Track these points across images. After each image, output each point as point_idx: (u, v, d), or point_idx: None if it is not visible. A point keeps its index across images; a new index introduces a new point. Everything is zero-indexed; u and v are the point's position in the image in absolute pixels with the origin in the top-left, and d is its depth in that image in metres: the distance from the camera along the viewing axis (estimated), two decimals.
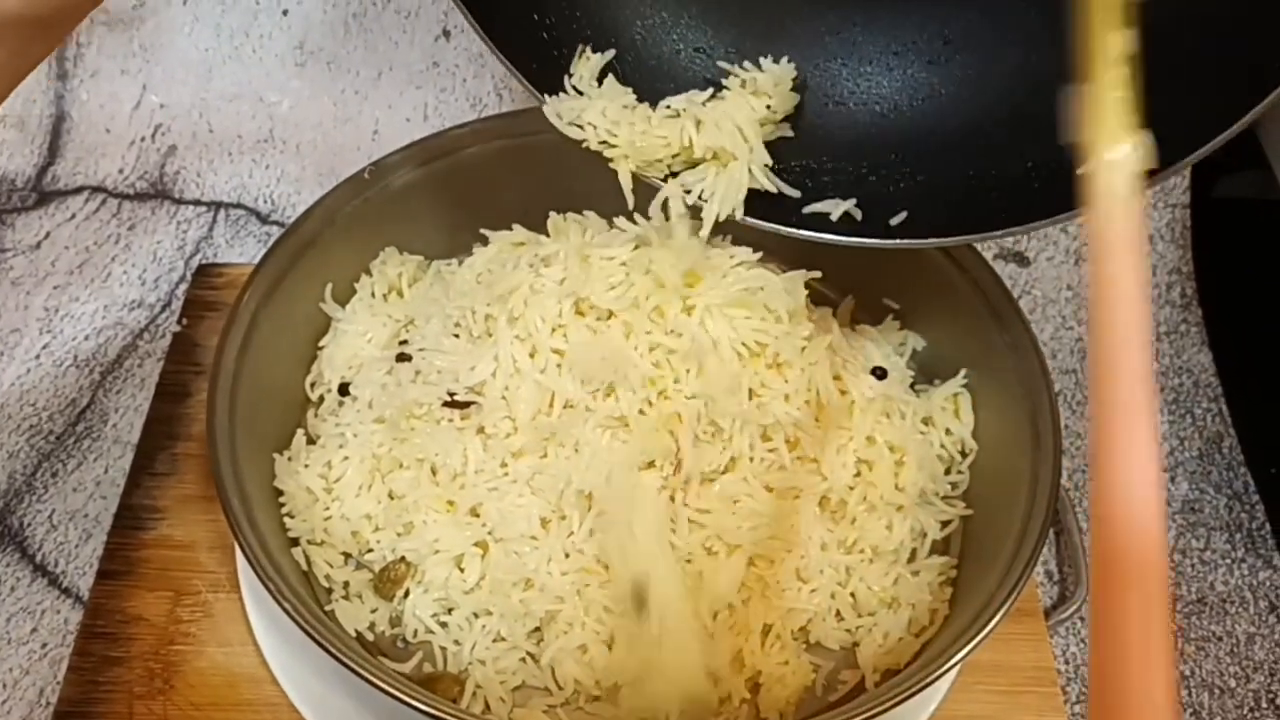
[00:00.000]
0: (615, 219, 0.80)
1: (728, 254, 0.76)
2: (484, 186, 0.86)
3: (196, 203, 1.11)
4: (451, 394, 0.73)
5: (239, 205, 1.10)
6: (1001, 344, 0.81)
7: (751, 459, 0.74)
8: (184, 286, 1.03)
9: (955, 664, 0.66)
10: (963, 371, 0.82)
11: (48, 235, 1.04)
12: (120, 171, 1.14)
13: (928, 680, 0.65)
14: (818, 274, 0.81)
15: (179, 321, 0.97)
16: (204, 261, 1.06)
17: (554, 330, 0.75)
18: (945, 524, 0.80)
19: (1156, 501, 0.39)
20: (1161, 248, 1.12)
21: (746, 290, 0.75)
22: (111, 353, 0.96)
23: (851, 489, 0.76)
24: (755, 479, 0.74)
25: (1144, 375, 0.39)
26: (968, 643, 0.66)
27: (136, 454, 0.85)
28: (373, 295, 0.84)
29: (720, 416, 0.73)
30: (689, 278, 0.75)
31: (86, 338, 0.97)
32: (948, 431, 0.83)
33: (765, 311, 0.75)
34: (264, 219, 1.12)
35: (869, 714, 0.64)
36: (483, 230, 0.84)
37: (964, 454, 0.83)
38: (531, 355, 0.73)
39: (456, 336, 0.75)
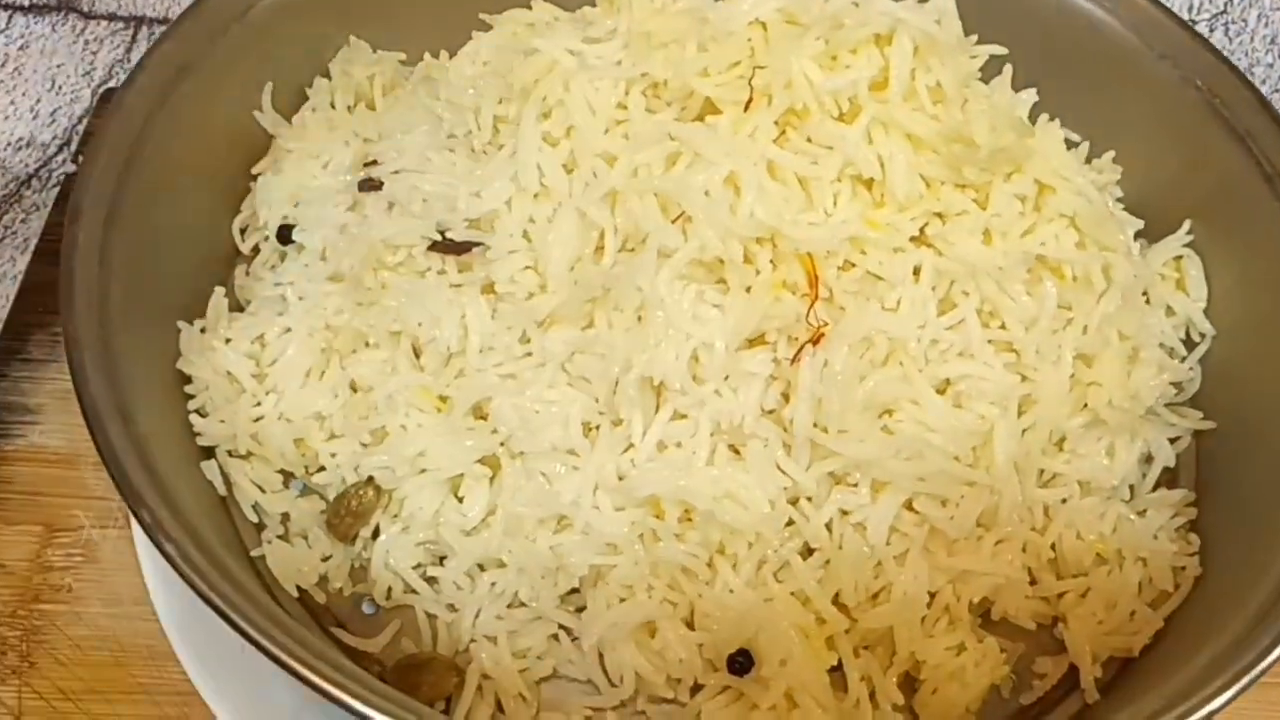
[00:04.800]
0: None
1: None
2: None
3: (111, 18, 0.95)
4: (443, 232, 0.59)
5: (166, 21, 0.94)
6: (1251, 174, 0.61)
7: (920, 338, 0.52)
8: (88, 121, 0.87)
9: (1265, 670, 0.43)
10: (1187, 224, 0.64)
11: None
12: None
13: (1216, 702, 0.43)
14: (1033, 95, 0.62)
15: (74, 160, 0.82)
16: (115, 88, 0.90)
17: (609, 129, 0.54)
18: (1171, 442, 0.61)
19: None
20: None
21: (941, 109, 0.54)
22: None
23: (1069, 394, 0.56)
24: (923, 374, 0.53)
25: None
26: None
27: (4, 333, 0.72)
28: (332, 105, 0.69)
29: (877, 265, 0.52)
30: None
31: None
32: (1169, 310, 0.63)
33: (965, 143, 0.54)
34: None
35: None
36: (483, 15, 0.68)
37: (1191, 342, 0.63)
38: (569, 170, 0.55)
39: (451, 151, 0.60)
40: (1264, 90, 0.91)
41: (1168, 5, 0.91)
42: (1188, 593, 0.55)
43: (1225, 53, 0.91)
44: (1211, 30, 0.94)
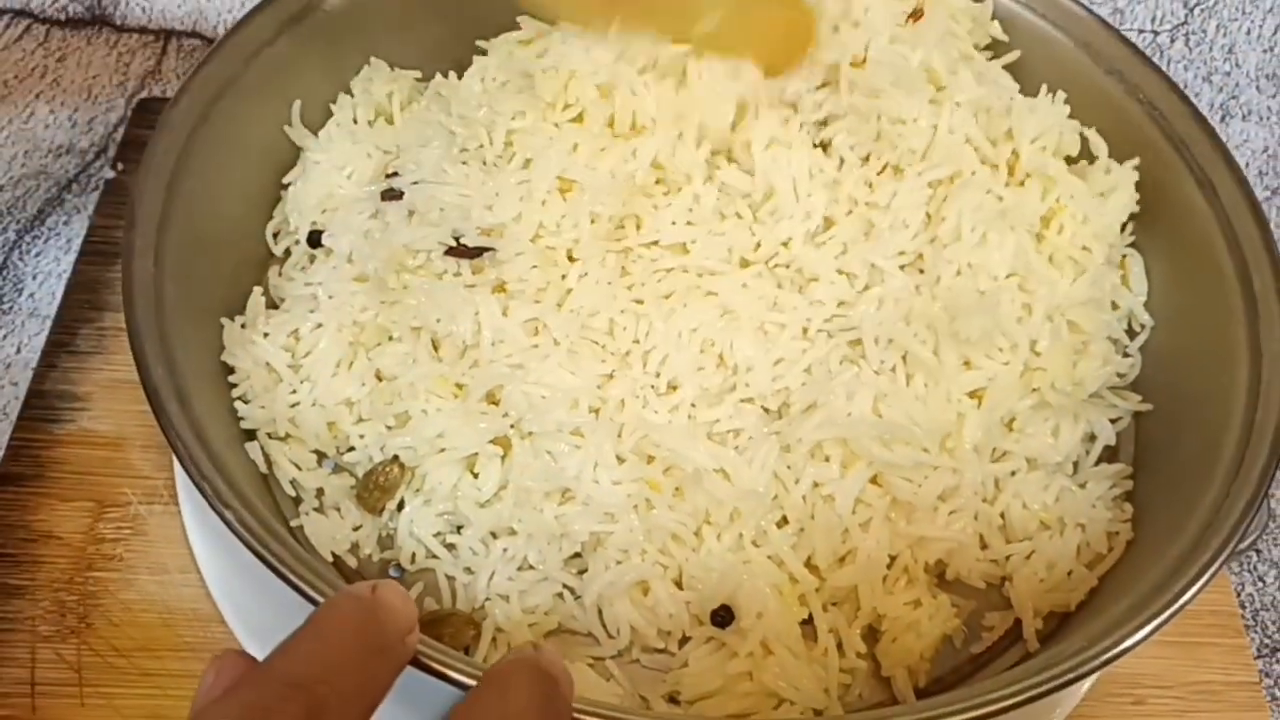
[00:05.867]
0: None
1: None
2: None
3: (142, 30, 0.97)
4: (458, 238, 0.61)
5: (194, 34, 0.97)
6: (1186, 180, 0.65)
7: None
8: (124, 129, 0.89)
9: (1174, 614, 0.48)
10: (1130, 224, 0.68)
11: None
12: None
13: (1131, 640, 0.49)
14: None
15: (113, 166, 0.84)
16: (148, 97, 0.92)
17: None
18: (1113, 422, 0.65)
19: None
20: None
21: None
22: (31, 207, 0.85)
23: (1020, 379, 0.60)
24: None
25: None
26: (1191, 584, 0.50)
27: (54, 327, 0.74)
28: (354, 120, 0.71)
29: None
30: None
31: (1, 188, 0.86)
32: (1114, 304, 0.66)
33: None
34: None
35: (1045, 687, 0.47)
36: (479, 42, 0.70)
37: (1132, 332, 0.67)
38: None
39: (465, 164, 0.63)
40: (1220, 96, 0.96)
41: (1130, 15, 0.97)
42: (1120, 555, 0.59)
43: (1185, 62, 0.96)
44: (1173, 40, 0.96)
